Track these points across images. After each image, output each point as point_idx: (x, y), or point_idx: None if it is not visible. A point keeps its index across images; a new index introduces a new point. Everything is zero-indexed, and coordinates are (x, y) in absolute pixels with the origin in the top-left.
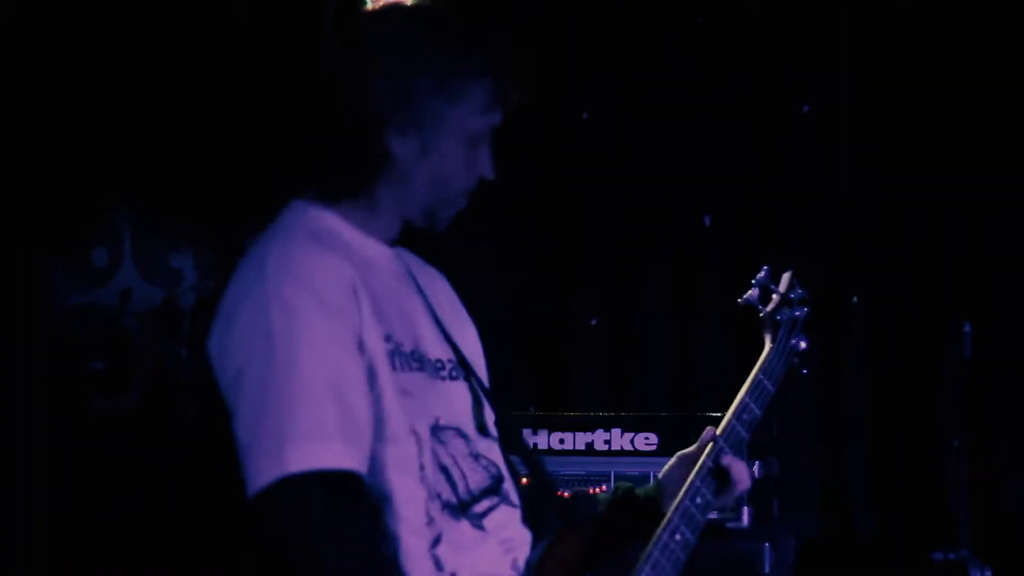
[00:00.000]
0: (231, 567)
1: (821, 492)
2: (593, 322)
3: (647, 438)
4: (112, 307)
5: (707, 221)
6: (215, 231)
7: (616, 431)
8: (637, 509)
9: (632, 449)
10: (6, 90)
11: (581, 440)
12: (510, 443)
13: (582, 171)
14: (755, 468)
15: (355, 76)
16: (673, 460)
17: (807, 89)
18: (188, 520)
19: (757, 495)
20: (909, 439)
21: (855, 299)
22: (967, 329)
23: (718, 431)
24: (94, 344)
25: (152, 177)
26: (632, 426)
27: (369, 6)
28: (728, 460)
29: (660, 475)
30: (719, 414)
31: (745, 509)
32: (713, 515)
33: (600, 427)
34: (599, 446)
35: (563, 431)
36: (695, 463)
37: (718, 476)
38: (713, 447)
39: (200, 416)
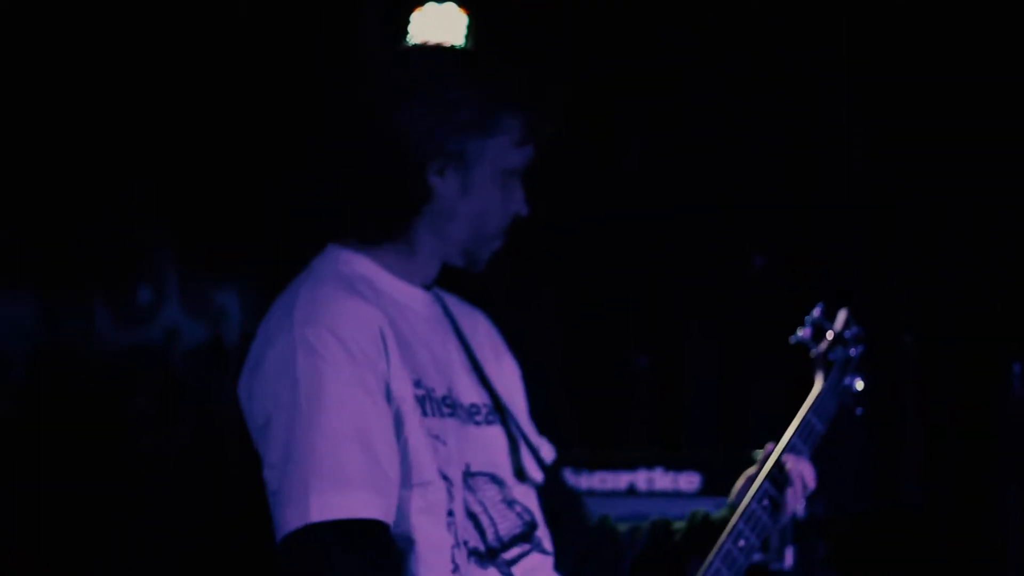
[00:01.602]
0: None
1: (869, 533)
2: (642, 361)
3: (690, 479)
4: (158, 346)
5: (757, 263)
6: (260, 268)
7: (659, 470)
8: (714, 532)
9: (674, 490)
10: (48, 123)
11: (624, 480)
12: (551, 487)
13: (630, 208)
14: (799, 508)
15: (393, 114)
16: (741, 481)
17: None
18: (232, 565)
19: (801, 536)
20: (960, 479)
21: (907, 338)
22: (1017, 369)
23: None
24: (142, 383)
25: (197, 213)
26: (674, 465)
27: (402, 46)
28: (790, 463)
29: (731, 498)
30: None
31: (789, 550)
32: (757, 556)
33: (643, 465)
34: (641, 486)
35: (605, 470)
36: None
37: (777, 487)
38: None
39: (244, 458)
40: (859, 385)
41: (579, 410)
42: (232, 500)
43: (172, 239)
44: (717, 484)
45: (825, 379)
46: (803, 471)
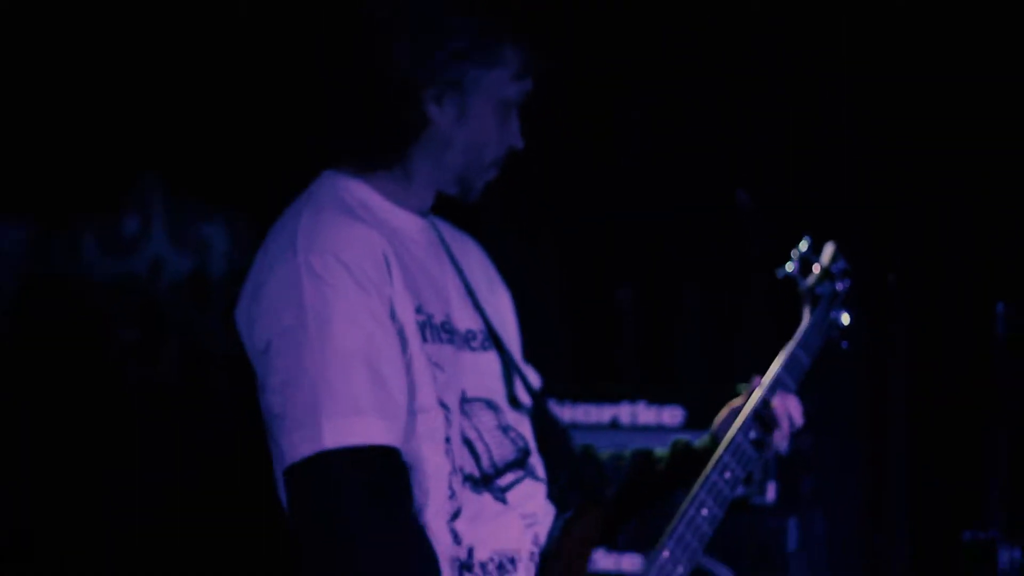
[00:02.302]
0: (261, 539)
1: (854, 471)
2: (627, 295)
3: (672, 412)
4: (143, 276)
5: (741, 197)
6: (247, 199)
7: (641, 404)
8: (695, 460)
9: (657, 424)
10: (40, 56)
11: (607, 413)
12: (538, 414)
13: (618, 141)
14: (784, 444)
15: (389, 42)
16: (724, 412)
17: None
18: (220, 493)
19: (785, 471)
20: (944, 419)
21: (891, 277)
22: (1000, 309)
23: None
24: (127, 314)
25: (183, 143)
26: (658, 399)
27: None
28: (777, 399)
29: (713, 428)
30: None
31: (771, 484)
32: (739, 490)
33: (625, 399)
34: (624, 419)
35: (588, 403)
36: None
37: (764, 423)
38: (751, 408)
39: (232, 388)
40: (845, 319)
41: (565, 343)
42: (216, 430)
43: (159, 170)
44: (701, 418)
45: (812, 313)
46: (789, 406)
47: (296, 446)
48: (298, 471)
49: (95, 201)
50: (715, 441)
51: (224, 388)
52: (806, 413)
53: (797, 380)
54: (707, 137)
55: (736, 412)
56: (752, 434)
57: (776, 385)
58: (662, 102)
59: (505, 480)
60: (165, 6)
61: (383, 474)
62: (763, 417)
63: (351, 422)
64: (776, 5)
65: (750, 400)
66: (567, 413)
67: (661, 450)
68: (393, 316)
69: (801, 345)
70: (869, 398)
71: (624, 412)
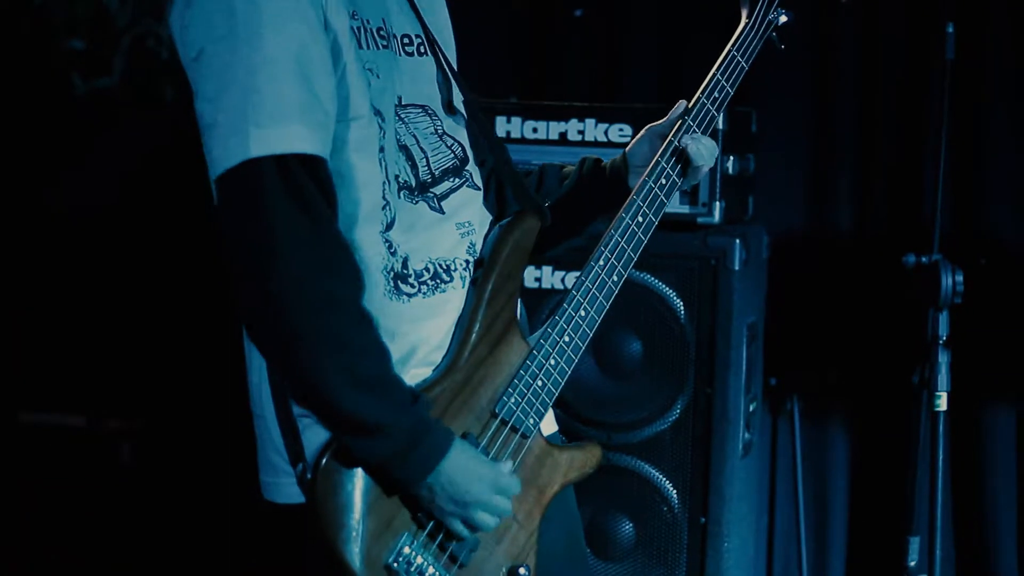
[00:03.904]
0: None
1: (799, 190)
2: (578, 13)
3: (621, 129)
4: None
5: None
6: None
7: (590, 121)
8: (603, 181)
9: (606, 140)
10: None
11: (555, 130)
12: (475, 124)
13: None
14: (730, 163)
15: None
16: (642, 133)
17: None
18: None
19: (731, 191)
20: (892, 139)
21: None
22: (950, 30)
23: (687, 107)
24: (74, 23)
25: None
26: (606, 117)
27: None
28: (693, 137)
29: (627, 149)
30: None
31: (717, 204)
32: (685, 209)
33: (574, 116)
34: (572, 136)
35: (536, 119)
36: (664, 139)
37: (682, 156)
38: (681, 124)
39: (176, 96)
40: (783, 19)
41: (513, 60)
42: (162, 142)
43: None
44: None
45: (749, 15)
46: (704, 148)
47: (224, 155)
48: (226, 179)
49: None
50: (626, 162)
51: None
52: (751, 132)
53: (735, 84)
54: None
55: (655, 135)
56: (663, 180)
57: (712, 88)
58: None
59: (441, 188)
60: None
61: (307, 182)
62: (679, 154)
63: (278, 131)
64: None
65: (668, 136)
66: (514, 129)
67: (569, 167)
68: (327, 23)
69: (737, 48)
70: (815, 116)
71: (572, 129)
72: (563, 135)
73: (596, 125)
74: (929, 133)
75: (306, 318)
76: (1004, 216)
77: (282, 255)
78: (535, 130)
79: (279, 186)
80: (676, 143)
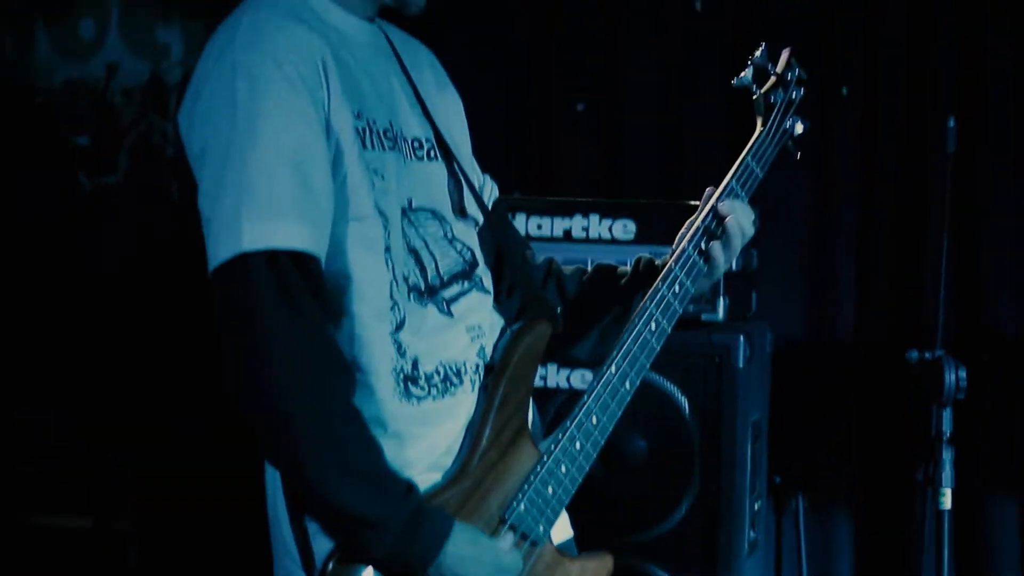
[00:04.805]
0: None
1: (800, 286)
2: (580, 107)
3: (624, 225)
4: (98, 81)
5: (697, 5)
6: (204, 4)
7: (594, 217)
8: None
9: (610, 238)
10: None
11: (559, 226)
12: (491, 225)
13: None
14: (733, 258)
15: None
16: (684, 229)
17: None
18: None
19: (735, 287)
20: (893, 233)
21: (844, 89)
22: (951, 124)
23: (695, 217)
24: (80, 120)
25: None
26: (610, 212)
27: None
28: (726, 208)
29: (674, 244)
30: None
31: (721, 300)
32: (689, 306)
33: (578, 212)
34: (577, 234)
35: (540, 215)
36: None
37: (713, 235)
38: (696, 231)
39: (181, 193)
40: (799, 128)
41: (516, 155)
42: (167, 237)
43: None
44: (652, 232)
45: (765, 123)
46: (740, 217)
47: (218, 248)
48: (219, 273)
49: (51, 2)
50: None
51: (174, 197)
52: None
53: (750, 191)
54: None
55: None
56: (702, 245)
57: (728, 196)
58: None
59: (451, 292)
60: None
61: (298, 280)
62: (712, 229)
63: (271, 226)
64: None
65: (700, 212)
66: (519, 226)
67: (623, 267)
68: (329, 122)
69: (753, 155)
70: (818, 215)
71: (577, 226)
72: (567, 232)
73: (600, 221)
74: (930, 228)
75: (297, 418)
76: (1006, 311)
77: (270, 354)
78: (539, 227)
79: (269, 282)
80: (693, 254)
